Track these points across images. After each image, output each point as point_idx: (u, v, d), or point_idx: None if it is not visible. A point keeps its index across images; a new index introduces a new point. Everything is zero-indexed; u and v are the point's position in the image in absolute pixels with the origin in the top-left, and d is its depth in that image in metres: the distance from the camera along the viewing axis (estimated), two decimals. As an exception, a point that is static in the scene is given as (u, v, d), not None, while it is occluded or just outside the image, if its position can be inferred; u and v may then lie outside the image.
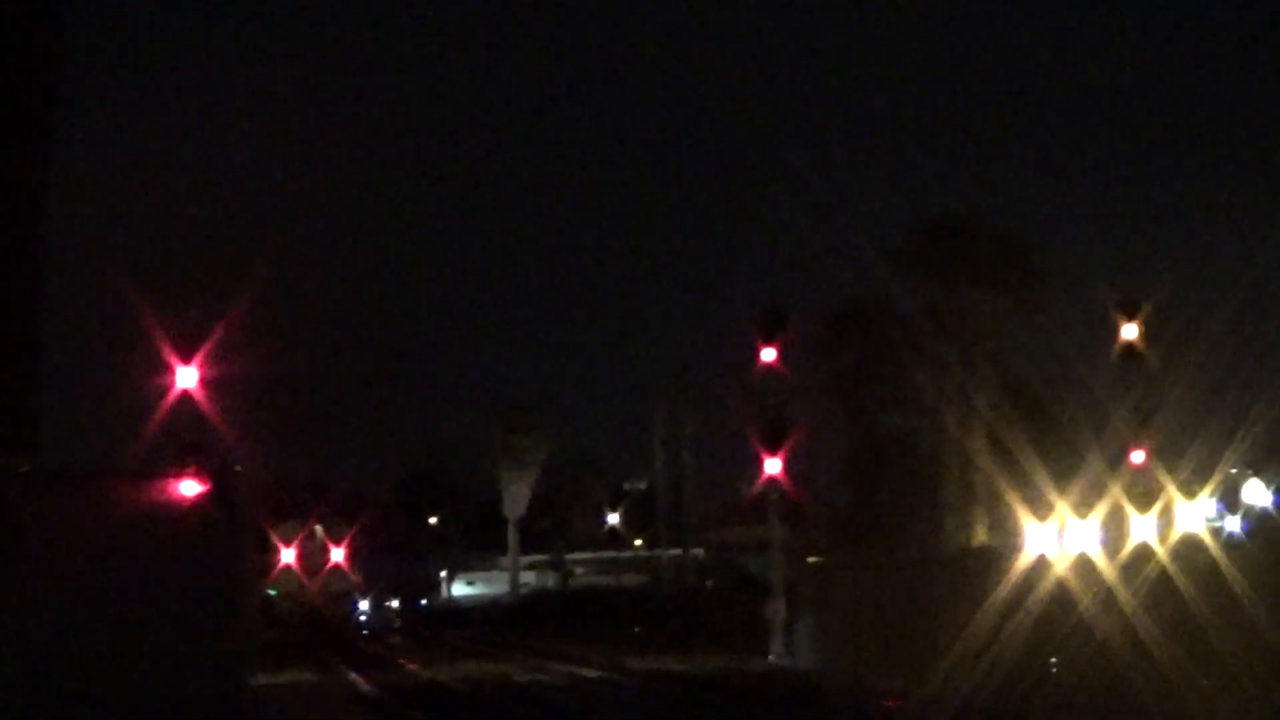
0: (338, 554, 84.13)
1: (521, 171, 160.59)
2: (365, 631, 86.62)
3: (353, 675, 49.85)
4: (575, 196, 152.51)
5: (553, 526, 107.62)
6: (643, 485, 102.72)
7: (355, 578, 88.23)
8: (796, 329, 52.07)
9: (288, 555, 77.60)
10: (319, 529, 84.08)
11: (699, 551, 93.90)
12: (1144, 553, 30.90)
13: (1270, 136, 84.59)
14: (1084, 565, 31.56)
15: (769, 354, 49.37)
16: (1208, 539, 32.30)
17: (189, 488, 24.98)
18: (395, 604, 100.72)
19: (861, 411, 60.80)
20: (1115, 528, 34.32)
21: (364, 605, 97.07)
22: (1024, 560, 32.93)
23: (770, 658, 48.57)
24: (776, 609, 49.32)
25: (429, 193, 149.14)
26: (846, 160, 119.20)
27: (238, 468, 26.04)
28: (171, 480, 25.22)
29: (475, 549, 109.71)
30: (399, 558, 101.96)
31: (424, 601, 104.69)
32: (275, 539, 74.95)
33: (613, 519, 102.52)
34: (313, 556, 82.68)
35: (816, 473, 61.97)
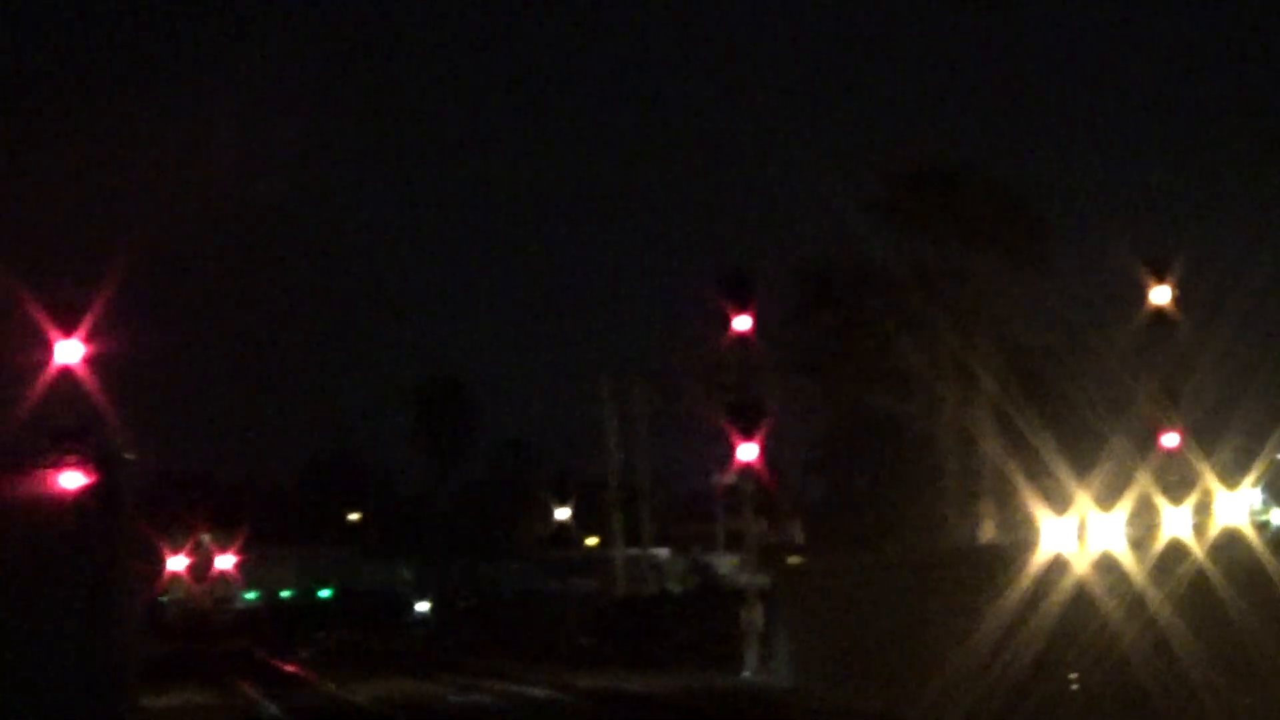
0: (224, 561, 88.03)
1: (451, 126, 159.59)
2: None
3: (254, 696, 49.76)
4: (507, 151, 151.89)
5: (487, 523, 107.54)
6: (589, 474, 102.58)
7: (239, 582, 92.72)
8: (763, 295, 52.04)
9: (176, 563, 79.75)
10: (206, 537, 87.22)
11: (662, 551, 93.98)
12: (1178, 550, 31.09)
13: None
14: (1108, 565, 31.75)
15: (743, 323, 49.34)
16: (1251, 534, 32.50)
17: (70, 480, 24.75)
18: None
19: (840, 389, 60.63)
20: (1144, 522, 34.52)
21: (421, 607, 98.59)
22: (1038, 560, 33.09)
23: (745, 674, 48.68)
24: (752, 617, 49.35)
25: (350, 152, 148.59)
26: (816, 105, 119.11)
27: (128, 456, 25.83)
28: (49, 471, 24.98)
29: (396, 548, 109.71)
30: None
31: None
32: (162, 545, 76.86)
33: (561, 514, 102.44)
34: (200, 565, 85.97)
35: (787, 460, 61.99)
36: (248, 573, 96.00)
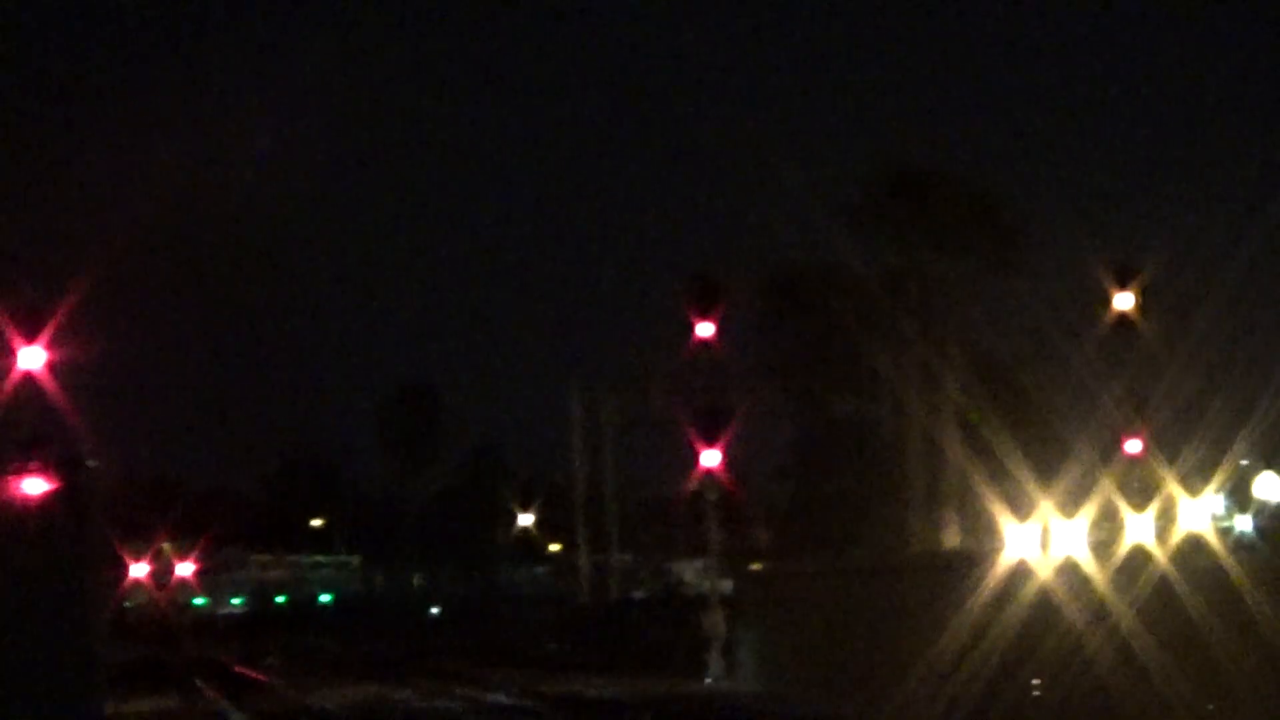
0: (184, 568, 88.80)
1: (420, 134, 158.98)
2: None
3: (220, 703, 49.70)
4: (476, 158, 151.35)
5: (459, 529, 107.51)
6: (559, 481, 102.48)
7: (199, 589, 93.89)
8: (732, 301, 52.04)
9: (138, 570, 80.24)
10: (166, 546, 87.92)
11: (626, 557, 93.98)
12: (1141, 556, 31.12)
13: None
14: (1071, 571, 31.77)
15: (705, 329, 49.38)
16: (1214, 540, 32.54)
17: (33, 486, 24.65)
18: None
19: (808, 395, 60.66)
20: (1107, 528, 34.60)
21: (432, 611, 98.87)
22: (1002, 565, 33.14)
23: (708, 679, 48.69)
24: (714, 623, 49.37)
25: (320, 160, 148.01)
26: (790, 109, 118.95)
27: (90, 463, 25.72)
28: (11, 477, 24.89)
29: (365, 553, 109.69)
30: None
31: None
32: (125, 553, 77.31)
33: (524, 520, 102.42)
34: (161, 572, 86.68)
35: (755, 465, 61.93)
36: (220, 580, 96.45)
